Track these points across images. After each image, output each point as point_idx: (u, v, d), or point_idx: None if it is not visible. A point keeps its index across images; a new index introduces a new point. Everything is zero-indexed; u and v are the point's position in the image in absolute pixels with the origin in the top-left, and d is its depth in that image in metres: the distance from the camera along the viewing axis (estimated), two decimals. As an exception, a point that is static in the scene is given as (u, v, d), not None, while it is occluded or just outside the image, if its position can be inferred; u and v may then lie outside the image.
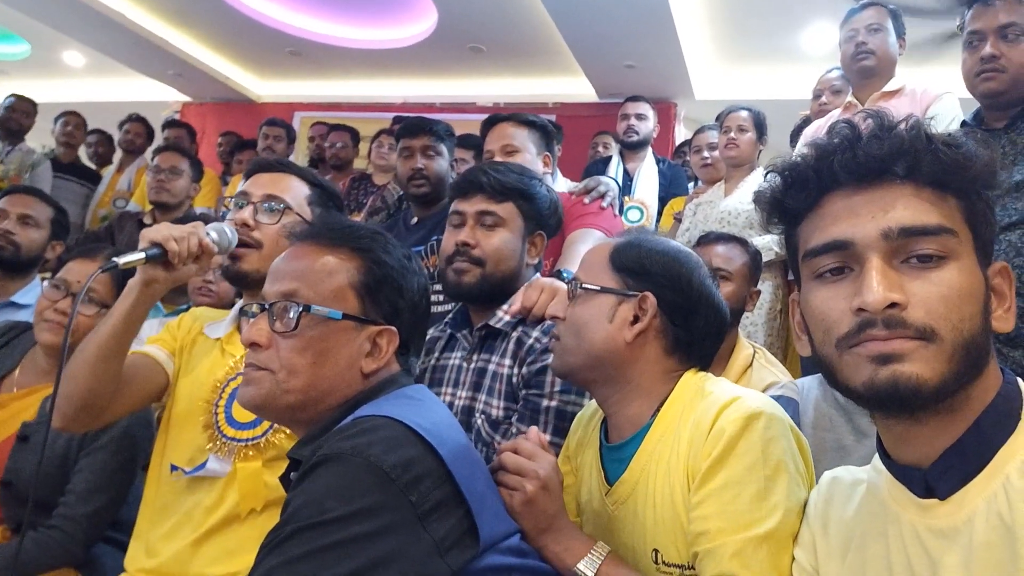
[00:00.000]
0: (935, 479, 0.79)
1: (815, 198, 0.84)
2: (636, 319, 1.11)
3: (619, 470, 1.11)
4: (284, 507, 0.90)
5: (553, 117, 5.38)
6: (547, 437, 1.17)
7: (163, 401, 1.52)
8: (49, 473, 1.61)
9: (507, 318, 1.53)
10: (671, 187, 4.00)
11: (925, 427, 0.78)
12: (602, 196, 2.24)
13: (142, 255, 1.23)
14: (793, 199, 0.86)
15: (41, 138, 5.21)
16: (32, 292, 2.43)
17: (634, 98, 4.09)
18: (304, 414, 1.05)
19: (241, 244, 1.43)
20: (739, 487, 0.95)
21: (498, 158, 2.14)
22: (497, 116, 2.27)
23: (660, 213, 3.86)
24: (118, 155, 4.97)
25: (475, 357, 1.55)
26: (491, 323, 1.53)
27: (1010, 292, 0.82)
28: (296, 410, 1.04)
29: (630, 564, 1.06)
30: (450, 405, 1.51)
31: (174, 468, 1.42)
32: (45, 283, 1.73)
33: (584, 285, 1.16)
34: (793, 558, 0.95)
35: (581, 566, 1.02)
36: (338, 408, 1.04)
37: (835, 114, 2.82)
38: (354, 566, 0.83)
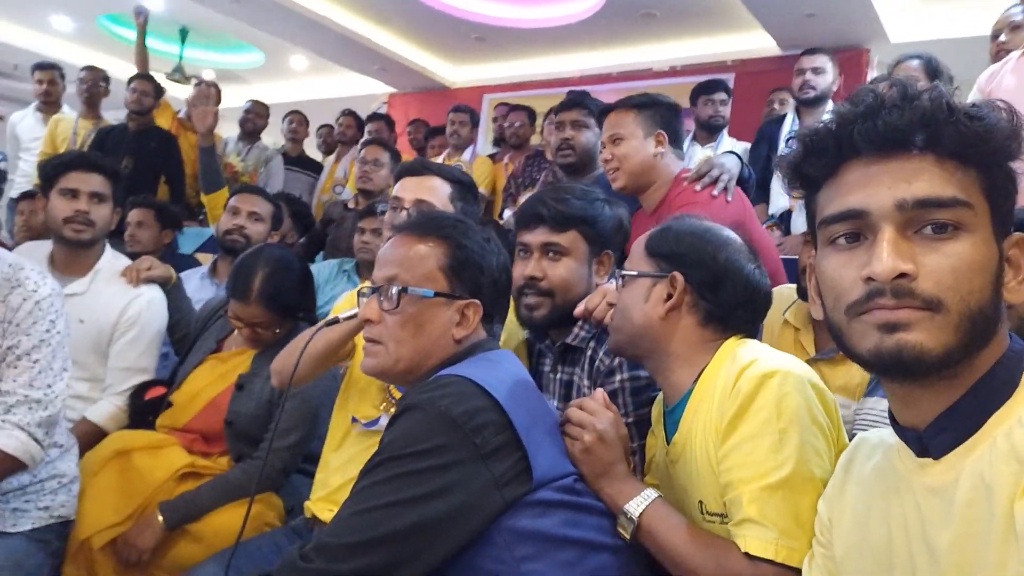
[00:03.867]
0: (930, 439, 0.81)
1: (834, 166, 0.83)
2: (670, 296, 1.23)
3: (674, 431, 1.23)
4: (379, 443, 1.12)
5: (732, 75, 5.23)
6: (633, 445, 1.32)
7: (349, 360, 1.79)
8: (259, 415, 1.97)
9: (583, 334, 1.56)
10: (858, 138, 3.75)
11: (927, 391, 0.81)
12: (714, 182, 2.08)
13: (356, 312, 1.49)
14: (812, 166, 0.86)
15: (274, 134, 5.87)
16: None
17: (810, 51, 3.84)
18: (413, 375, 1.25)
19: None
20: (756, 440, 1.04)
21: (607, 148, 2.15)
22: (607, 107, 2.22)
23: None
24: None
25: (560, 368, 1.61)
26: (568, 341, 1.57)
27: None
28: (407, 373, 1.25)
29: (680, 511, 1.17)
30: None
31: (354, 420, 1.69)
32: None
33: (624, 273, 1.30)
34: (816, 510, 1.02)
35: (628, 507, 1.14)
36: (437, 368, 1.22)
37: (1014, 56, 2.56)
38: (423, 491, 1.03)
